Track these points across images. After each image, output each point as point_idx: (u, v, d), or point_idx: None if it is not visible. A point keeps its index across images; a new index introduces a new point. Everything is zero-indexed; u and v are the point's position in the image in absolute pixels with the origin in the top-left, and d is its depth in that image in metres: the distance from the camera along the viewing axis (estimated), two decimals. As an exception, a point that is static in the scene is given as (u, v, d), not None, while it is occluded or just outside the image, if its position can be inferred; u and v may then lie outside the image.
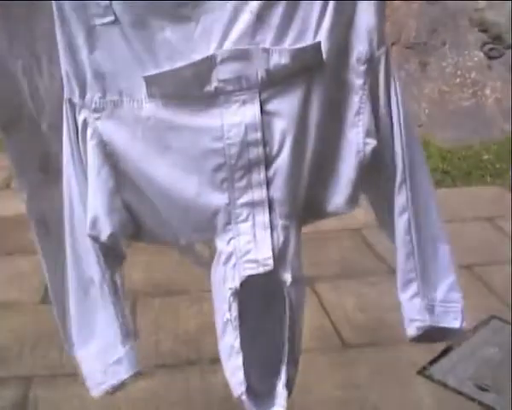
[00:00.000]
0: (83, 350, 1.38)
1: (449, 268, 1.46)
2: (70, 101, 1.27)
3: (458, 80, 5.53)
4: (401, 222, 1.40)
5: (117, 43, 1.23)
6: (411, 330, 1.46)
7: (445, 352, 2.88)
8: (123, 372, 1.36)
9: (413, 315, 1.45)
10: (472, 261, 3.60)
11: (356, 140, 1.34)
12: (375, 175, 1.39)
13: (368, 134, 1.33)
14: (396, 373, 2.66)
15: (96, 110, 1.27)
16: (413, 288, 1.44)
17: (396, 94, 1.34)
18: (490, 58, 5.57)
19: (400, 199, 1.39)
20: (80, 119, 1.28)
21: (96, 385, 1.38)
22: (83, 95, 1.26)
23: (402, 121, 1.35)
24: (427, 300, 1.44)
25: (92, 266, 1.34)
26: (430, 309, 1.45)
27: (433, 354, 2.86)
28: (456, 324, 1.46)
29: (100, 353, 1.36)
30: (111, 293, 1.35)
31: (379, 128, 1.35)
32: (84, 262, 1.34)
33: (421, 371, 2.75)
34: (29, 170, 1.56)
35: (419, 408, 2.56)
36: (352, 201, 1.39)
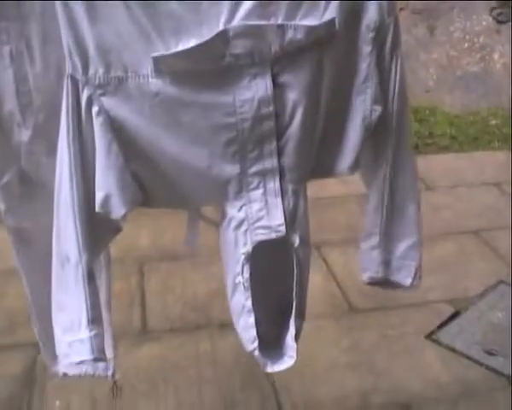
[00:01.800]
0: (56, 317, 1.37)
1: (414, 228, 1.55)
2: (72, 77, 1.22)
3: (466, 45, 5.48)
4: (379, 177, 1.50)
5: (119, 15, 1.18)
6: (364, 277, 1.61)
7: (452, 317, 2.89)
8: (85, 353, 1.34)
9: (368, 265, 1.59)
10: (479, 226, 3.61)
11: (363, 107, 1.36)
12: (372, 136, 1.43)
13: (375, 101, 1.36)
14: (404, 338, 2.67)
15: (100, 86, 1.22)
16: (374, 240, 1.57)
17: (397, 65, 1.38)
18: (498, 23, 5.52)
19: (383, 157, 1.47)
20: (84, 96, 1.23)
21: (63, 355, 1.37)
22: (86, 70, 1.21)
23: (397, 91, 1.39)
24: (385, 253, 1.56)
25: (70, 245, 1.31)
26: (386, 263, 1.57)
27: (440, 318, 2.87)
28: (407, 281, 1.58)
29: (67, 326, 1.35)
30: (84, 276, 1.32)
31: (386, 95, 1.38)
32: (62, 239, 1.32)
33: (429, 336, 2.76)
34: (6, 183, 1.45)
35: (426, 372, 2.57)
36: (355, 165, 1.43)
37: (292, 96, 1.28)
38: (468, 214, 3.74)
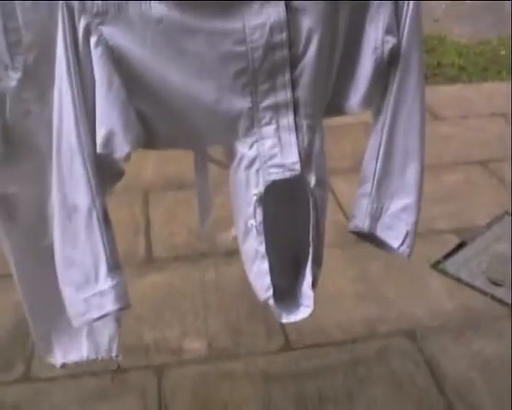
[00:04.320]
0: (65, 276, 1.30)
1: (413, 188, 1.42)
2: (67, 5, 1.13)
3: (477, -27, 5.41)
4: (378, 120, 1.37)
5: None
6: (350, 225, 1.48)
7: (458, 247, 2.89)
8: (108, 305, 1.27)
9: (356, 212, 1.46)
10: (487, 157, 3.59)
11: (374, 36, 1.28)
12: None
13: (388, 31, 1.27)
14: (410, 267, 2.65)
15: (98, 14, 1.14)
16: (367, 187, 1.43)
17: None
18: (510, -50, 5.43)
19: (386, 98, 1.35)
20: (81, 25, 1.14)
21: (77, 315, 1.30)
22: None
23: (408, 20, 1.28)
24: (376, 205, 1.43)
25: (79, 192, 1.24)
26: (376, 216, 1.44)
27: (446, 248, 2.87)
28: (395, 243, 1.44)
29: (81, 281, 1.28)
30: (100, 221, 1.26)
31: (397, 24, 1.28)
32: (68, 188, 1.24)
33: (435, 266, 2.77)
34: None
35: (432, 302, 2.58)
36: (367, 101, 1.34)
37: (307, 22, 1.20)
38: (475, 145, 3.71)
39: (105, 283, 1.27)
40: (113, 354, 1.31)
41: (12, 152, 1.34)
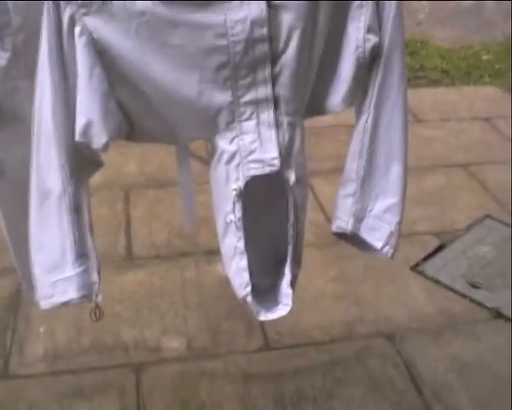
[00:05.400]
0: (36, 258, 1.33)
1: (396, 189, 1.43)
2: None
3: (460, -23, 5.42)
4: (360, 119, 1.39)
5: None
6: (333, 226, 1.48)
7: (438, 249, 2.90)
8: (71, 292, 1.31)
9: (339, 213, 1.46)
10: (468, 160, 3.61)
11: (356, 35, 1.29)
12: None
13: (369, 30, 1.29)
14: (389, 269, 2.68)
15: (83, 5, 1.15)
16: (350, 188, 1.43)
17: None
18: (493, -45, 5.45)
19: (368, 98, 1.37)
20: (66, 15, 1.16)
21: (44, 297, 1.34)
22: None
23: (391, 20, 1.30)
24: (360, 206, 1.43)
25: (52, 178, 1.26)
26: (359, 217, 1.44)
27: (426, 250, 2.88)
28: (377, 244, 1.45)
29: (49, 265, 1.31)
30: (70, 208, 1.28)
31: (381, 23, 1.30)
32: (43, 172, 1.27)
33: (414, 268, 2.78)
34: None
35: (411, 303, 2.58)
36: (348, 100, 1.36)
37: (288, 18, 1.21)
38: (457, 148, 3.73)
39: (72, 269, 1.31)
40: (93, 298, 1.35)
41: (2, 119, 1.40)
